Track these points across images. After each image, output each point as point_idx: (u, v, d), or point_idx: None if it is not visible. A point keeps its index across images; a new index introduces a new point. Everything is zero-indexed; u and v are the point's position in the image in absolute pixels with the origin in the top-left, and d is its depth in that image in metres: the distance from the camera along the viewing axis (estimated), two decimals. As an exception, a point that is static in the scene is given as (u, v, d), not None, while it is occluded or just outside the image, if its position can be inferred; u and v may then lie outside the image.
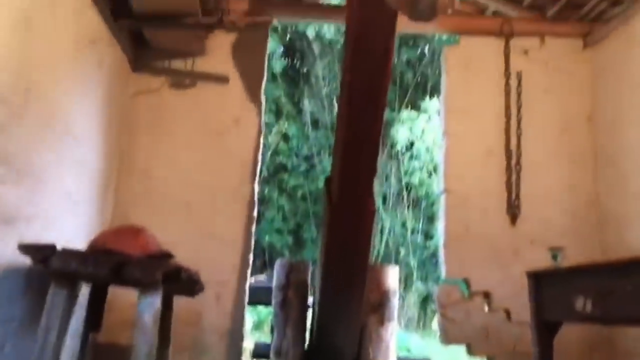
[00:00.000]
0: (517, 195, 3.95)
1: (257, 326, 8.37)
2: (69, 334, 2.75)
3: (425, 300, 11.34)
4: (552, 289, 2.75)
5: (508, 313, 3.83)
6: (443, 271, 3.99)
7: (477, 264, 3.89)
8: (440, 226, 4.16)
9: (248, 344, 4.52)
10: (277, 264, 4.16)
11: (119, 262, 2.07)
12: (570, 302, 2.48)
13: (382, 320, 3.71)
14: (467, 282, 3.89)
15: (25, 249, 2.10)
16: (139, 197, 3.70)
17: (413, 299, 11.50)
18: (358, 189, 1.96)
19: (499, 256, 3.91)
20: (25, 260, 2.23)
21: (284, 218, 12.86)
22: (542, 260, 3.78)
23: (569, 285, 2.55)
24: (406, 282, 11.56)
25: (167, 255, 2.25)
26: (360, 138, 1.80)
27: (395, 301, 4.20)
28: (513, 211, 3.94)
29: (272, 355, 3.93)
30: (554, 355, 2.84)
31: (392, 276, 4.24)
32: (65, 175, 2.79)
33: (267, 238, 12.04)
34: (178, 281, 2.28)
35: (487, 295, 3.87)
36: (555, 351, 2.88)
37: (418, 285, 11.76)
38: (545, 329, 2.83)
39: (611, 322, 2.41)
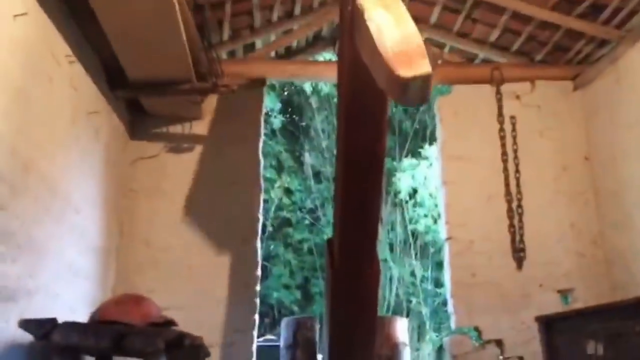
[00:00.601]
0: (521, 239, 3.93)
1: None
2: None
3: (440, 351, 11.12)
4: (563, 334, 2.71)
5: (522, 360, 3.75)
6: (453, 321, 3.93)
7: (486, 311, 3.84)
8: (446, 275, 4.12)
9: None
10: (283, 323, 4.11)
11: (120, 332, 2.05)
12: (582, 347, 2.44)
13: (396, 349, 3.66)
14: (478, 331, 3.83)
15: (26, 325, 2.08)
16: (141, 264, 3.70)
17: (428, 350, 11.27)
18: (360, 253, 1.89)
19: (508, 302, 3.86)
20: (27, 336, 2.21)
21: (291, 273, 12.76)
22: (552, 303, 3.74)
23: (579, 330, 2.52)
24: (419, 332, 11.37)
25: (169, 323, 2.23)
26: (360, 202, 1.76)
27: (405, 353, 4.13)
28: (518, 255, 3.92)
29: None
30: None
31: (401, 328, 4.19)
32: (66, 247, 2.80)
33: (274, 295, 11.92)
34: (181, 348, 2.25)
35: (499, 343, 3.80)
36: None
37: (432, 335, 11.55)
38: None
39: None
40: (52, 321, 2.08)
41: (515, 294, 3.87)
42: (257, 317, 3.79)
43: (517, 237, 3.94)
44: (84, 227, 3.06)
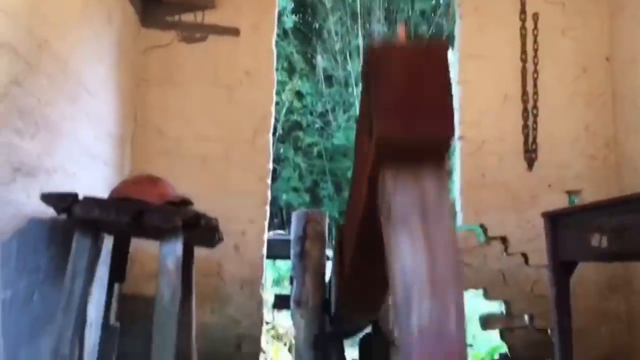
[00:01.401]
0: (534, 140, 3.92)
1: (277, 282, 8.52)
2: (95, 286, 2.83)
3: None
4: (568, 229, 2.76)
5: (525, 257, 3.85)
6: (459, 219, 4.01)
7: (493, 210, 3.90)
8: (456, 175, 4.16)
9: (268, 297, 4.61)
10: (294, 216, 4.21)
11: (139, 208, 2.12)
12: (586, 240, 2.49)
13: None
14: (483, 228, 3.91)
15: (48, 198, 2.14)
16: (154, 153, 3.74)
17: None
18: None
19: (515, 201, 3.91)
20: (49, 212, 2.28)
21: (300, 176, 12.91)
22: (559, 204, 3.77)
23: (584, 224, 2.56)
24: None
25: (186, 202, 2.28)
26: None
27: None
28: (530, 156, 3.93)
29: (292, 305, 4.02)
30: (570, 296, 2.87)
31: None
32: (81, 130, 2.83)
33: (284, 197, 12.11)
34: (197, 228, 2.32)
35: (504, 241, 3.89)
36: (572, 292, 2.91)
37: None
38: (562, 269, 2.84)
39: (626, 257, 2.42)
40: (74, 196, 2.14)
41: (523, 194, 3.92)
42: (268, 208, 3.88)
43: (530, 139, 3.93)
44: (99, 112, 3.08)
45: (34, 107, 2.30)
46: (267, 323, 5.22)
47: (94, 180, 2.94)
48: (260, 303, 3.79)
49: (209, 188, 3.71)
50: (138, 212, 2.11)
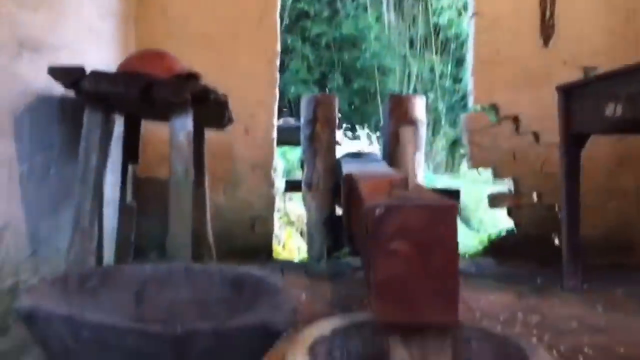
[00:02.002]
0: (552, 14, 3.78)
1: (288, 172, 8.61)
2: (109, 169, 2.87)
3: (454, 145, 11.40)
4: (582, 101, 2.72)
5: (536, 135, 3.84)
6: (471, 99, 3.96)
7: (506, 88, 3.84)
8: (469, 54, 4.06)
9: (279, 184, 4.68)
10: (304, 99, 4.18)
11: (147, 82, 2.09)
12: (600, 110, 2.46)
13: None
14: (495, 108, 3.87)
15: (55, 72, 2.12)
16: (159, 34, 3.65)
17: (441, 143, 11.55)
18: None
19: (530, 79, 3.84)
20: (58, 89, 2.27)
21: (308, 68, 12.68)
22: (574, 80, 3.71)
23: (599, 94, 2.52)
24: (434, 128, 11.56)
25: (194, 76, 2.25)
26: None
27: (422, 131, 4.22)
28: (547, 31, 3.80)
29: (303, 188, 4.09)
30: (580, 170, 2.88)
31: (419, 106, 4.23)
32: (84, 7, 2.75)
33: (292, 89, 11.97)
34: (207, 103, 2.31)
35: (515, 120, 3.86)
36: (581, 170, 2.92)
37: (447, 130, 11.75)
38: (574, 142, 2.84)
39: None
40: (81, 69, 2.11)
41: (537, 71, 3.83)
42: (277, 90, 3.84)
43: (548, 13, 3.79)
44: (100, -11, 2.98)
45: (32, -22, 2.22)
46: (278, 211, 5.34)
47: (99, 59, 2.90)
48: (271, 185, 3.85)
49: (216, 69, 3.61)
50: (147, 85, 2.09)
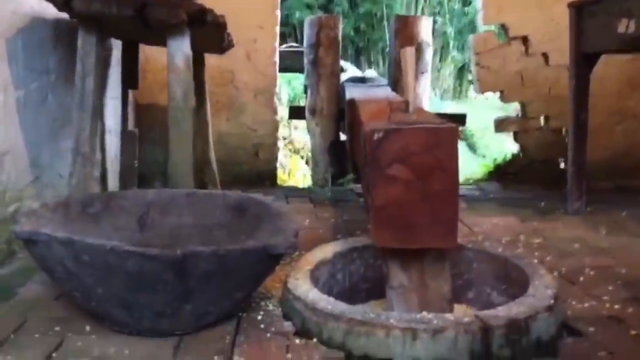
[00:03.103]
0: None
1: (292, 100, 8.51)
2: (109, 96, 2.83)
3: (461, 71, 11.17)
4: (594, 19, 2.62)
5: (546, 57, 3.73)
6: (480, 18, 3.83)
7: (517, 7, 3.69)
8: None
9: (283, 112, 4.62)
10: (307, 22, 4.07)
11: (141, 2, 2.02)
12: (613, 27, 2.37)
13: (415, 74, 3.68)
14: (504, 28, 3.75)
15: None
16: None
17: (449, 69, 11.32)
18: None
19: (540, -3, 3.69)
20: (51, 9, 2.19)
21: (313, -8, 12.29)
22: (586, -2, 3.57)
23: (612, 10, 2.42)
24: (442, 53, 11.29)
25: (190, -6, 2.17)
26: None
27: (428, 53, 4.13)
28: (558, -54, 3.62)
29: (307, 113, 4.04)
30: (590, 92, 2.81)
31: (425, 27, 4.12)
32: None
33: (297, 15, 11.65)
34: (205, 25, 2.24)
35: (525, 41, 3.74)
36: (591, 92, 2.85)
37: (454, 55, 11.47)
38: (584, 61, 2.76)
39: None
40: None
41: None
42: (278, 13, 3.72)
43: None
44: None
45: None
46: (284, 138, 5.31)
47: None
48: (274, 111, 3.80)
49: None
50: (141, 6, 2.01)
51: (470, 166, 4.45)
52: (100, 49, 2.17)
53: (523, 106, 3.84)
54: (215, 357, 1.37)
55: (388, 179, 1.43)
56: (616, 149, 3.78)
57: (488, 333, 1.39)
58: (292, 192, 3.56)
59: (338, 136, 3.98)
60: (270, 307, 1.68)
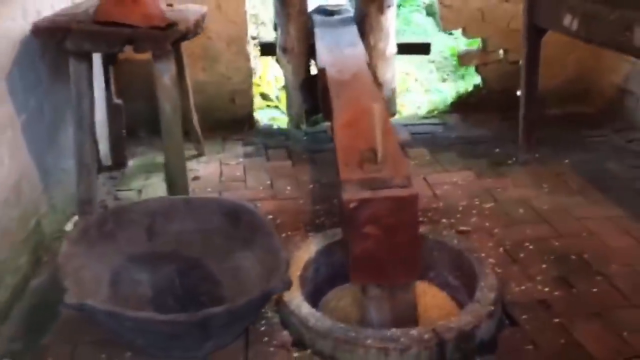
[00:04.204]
0: None
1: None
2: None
3: (430, 8, 10.83)
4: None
5: (506, -8, 3.89)
6: (441, -45, 3.91)
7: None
8: None
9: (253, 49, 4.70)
10: (273, -40, 4.07)
11: (128, 37, 2.17)
12: (559, 17, 2.59)
13: (381, 9, 3.84)
14: (466, -34, 3.85)
15: (40, 32, 2.17)
16: None
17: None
18: None
19: None
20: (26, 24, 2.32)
21: None
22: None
23: (561, 2, 2.61)
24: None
25: (171, 25, 2.31)
26: None
27: (394, -12, 4.22)
28: None
29: (277, 52, 4.18)
30: (540, 54, 3.07)
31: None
32: None
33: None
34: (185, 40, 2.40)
35: (486, -24, 3.87)
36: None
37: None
38: (535, 31, 2.98)
39: (593, 43, 2.55)
40: (64, 29, 2.17)
41: None
42: (246, -39, 3.75)
43: None
44: None
45: None
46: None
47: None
48: (247, 58, 3.96)
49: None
50: (128, 41, 2.17)
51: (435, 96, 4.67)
52: (89, 73, 2.34)
53: (484, 41, 4.05)
54: (235, 379, 1.79)
55: (362, 236, 1.77)
56: (568, 76, 4.08)
57: (443, 346, 1.83)
58: (271, 139, 3.83)
59: (309, 72, 4.17)
60: (270, 314, 2.07)
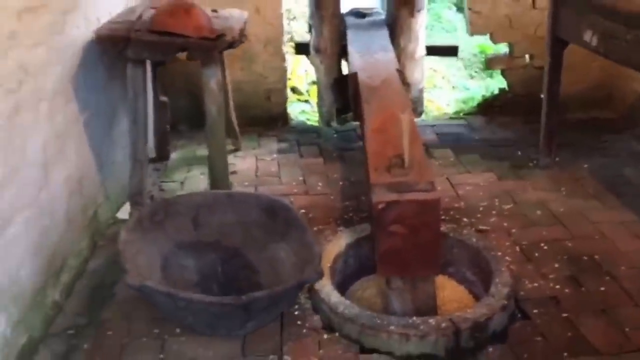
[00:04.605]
0: None
1: None
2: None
3: (459, 11, 10.88)
4: (568, 11, 2.96)
5: (533, 0, 4.04)
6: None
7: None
8: None
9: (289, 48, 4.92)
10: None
11: (181, 47, 2.41)
12: (580, 31, 2.75)
13: (412, 12, 4.03)
14: (496, -26, 4.01)
15: (102, 41, 2.42)
16: None
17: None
18: None
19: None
20: (87, 34, 2.57)
21: None
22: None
23: (581, 14, 2.77)
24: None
25: (220, 36, 2.53)
26: None
27: (425, -8, 4.39)
28: None
29: (311, 51, 4.40)
30: (563, 64, 3.22)
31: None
32: None
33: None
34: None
35: (515, -13, 4.02)
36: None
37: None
38: (558, 43, 3.14)
39: (611, 59, 2.70)
40: (125, 39, 2.41)
41: None
42: (284, -32, 3.96)
43: None
44: None
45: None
46: (306, 71, 5.53)
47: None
48: (283, 59, 4.18)
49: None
50: (181, 50, 2.41)
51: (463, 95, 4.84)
52: (144, 76, 2.59)
53: (510, 46, 4.21)
54: (271, 356, 2.02)
55: (389, 234, 1.98)
56: (591, 82, 4.22)
57: (458, 334, 2.04)
58: (303, 136, 4.05)
59: (341, 72, 4.37)
60: (302, 300, 2.30)
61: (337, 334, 2.13)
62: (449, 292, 2.44)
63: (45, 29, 2.17)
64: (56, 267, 2.25)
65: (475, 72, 5.24)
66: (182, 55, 2.59)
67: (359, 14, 4.65)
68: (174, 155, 3.70)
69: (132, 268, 2.02)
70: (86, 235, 2.56)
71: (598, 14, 2.61)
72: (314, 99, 4.66)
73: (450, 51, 4.52)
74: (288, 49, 4.35)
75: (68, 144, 2.40)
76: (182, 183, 3.34)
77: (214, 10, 3.02)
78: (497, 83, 4.59)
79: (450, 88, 5.08)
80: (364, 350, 2.07)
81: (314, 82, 4.73)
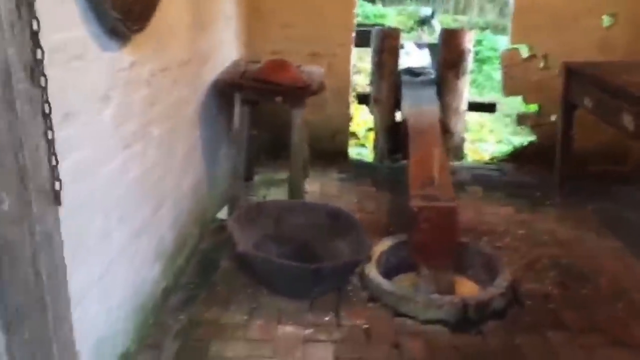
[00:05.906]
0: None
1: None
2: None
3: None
4: (576, 80, 3.78)
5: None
6: (509, 39, 4.93)
7: (539, 30, 4.79)
8: (510, 2, 4.94)
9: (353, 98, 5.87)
10: (373, 32, 5.26)
11: (279, 93, 3.35)
12: (581, 97, 3.56)
13: (457, 75, 4.92)
14: (528, 47, 4.85)
15: (221, 86, 3.39)
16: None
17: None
18: None
19: (559, 24, 4.75)
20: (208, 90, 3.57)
21: None
22: (595, 26, 4.68)
23: (581, 86, 3.58)
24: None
25: (308, 86, 3.47)
26: None
27: (469, 59, 5.28)
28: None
29: (371, 101, 5.33)
30: (575, 124, 4.01)
31: (467, 39, 5.25)
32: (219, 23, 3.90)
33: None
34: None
35: (544, 57, 4.85)
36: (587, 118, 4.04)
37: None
38: (570, 105, 3.94)
39: (602, 121, 3.50)
40: (237, 85, 3.38)
41: (567, 17, 4.73)
42: (353, 34, 4.93)
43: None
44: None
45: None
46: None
47: (230, 35, 4.09)
48: (348, 106, 5.11)
49: (309, 19, 4.77)
50: (278, 95, 3.35)
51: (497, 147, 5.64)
52: (249, 115, 3.54)
53: (540, 107, 5.02)
54: (331, 313, 2.85)
55: (420, 229, 2.82)
56: (605, 139, 4.94)
57: (467, 307, 2.82)
58: (360, 170, 4.92)
59: (394, 119, 5.27)
60: (355, 281, 3.13)
61: (378, 304, 2.95)
62: (467, 289, 3.23)
63: (192, 75, 3.16)
64: (182, 241, 3.16)
65: (521, 128, 6.05)
66: (278, 99, 3.54)
67: (412, 72, 5.57)
68: (256, 178, 4.63)
69: (240, 242, 2.91)
70: (198, 225, 3.47)
71: (594, 85, 3.42)
72: (369, 144, 5.56)
73: (489, 108, 5.38)
74: (352, 98, 5.27)
75: (193, 158, 3.34)
76: (264, 197, 4.25)
77: (298, 66, 3.98)
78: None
79: (495, 141, 5.90)
80: (397, 314, 2.87)
81: (370, 129, 5.65)
